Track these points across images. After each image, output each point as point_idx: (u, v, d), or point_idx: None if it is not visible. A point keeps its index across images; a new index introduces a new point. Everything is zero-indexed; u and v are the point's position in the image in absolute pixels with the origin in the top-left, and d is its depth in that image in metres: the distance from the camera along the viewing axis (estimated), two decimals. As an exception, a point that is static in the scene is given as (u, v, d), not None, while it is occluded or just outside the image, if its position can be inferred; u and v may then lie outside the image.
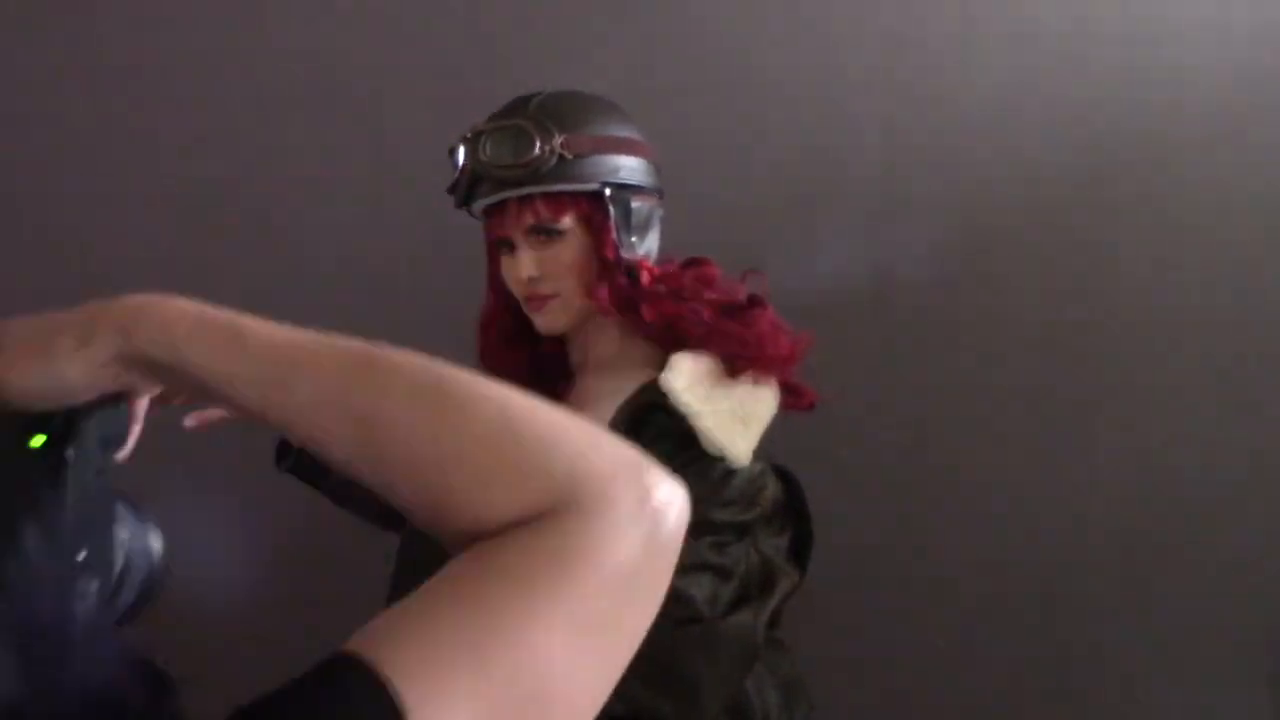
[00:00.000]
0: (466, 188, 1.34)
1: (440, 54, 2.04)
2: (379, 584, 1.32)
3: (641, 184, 1.37)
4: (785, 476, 1.37)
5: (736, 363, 1.32)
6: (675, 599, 1.22)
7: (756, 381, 1.32)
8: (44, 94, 2.03)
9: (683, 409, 1.26)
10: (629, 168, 1.36)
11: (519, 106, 1.34)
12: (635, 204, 1.36)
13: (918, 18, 2.04)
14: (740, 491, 1.28)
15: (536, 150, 1.29)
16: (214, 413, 1.43)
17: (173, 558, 0.65)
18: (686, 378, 1.29)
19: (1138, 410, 2.06)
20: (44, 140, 2.03)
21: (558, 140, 1.30)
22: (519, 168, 1.30)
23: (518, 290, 1.37)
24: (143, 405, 0.65)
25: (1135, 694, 2.06)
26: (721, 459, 1.27)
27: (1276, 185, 2.04)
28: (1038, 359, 2.06)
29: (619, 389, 1.33)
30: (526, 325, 1.41)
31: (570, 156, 1.31)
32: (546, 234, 1.33)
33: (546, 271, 1.33)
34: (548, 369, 1.46)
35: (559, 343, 1.44)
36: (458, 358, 0.59)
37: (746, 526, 1.29)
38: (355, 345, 0.58)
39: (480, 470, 0.54)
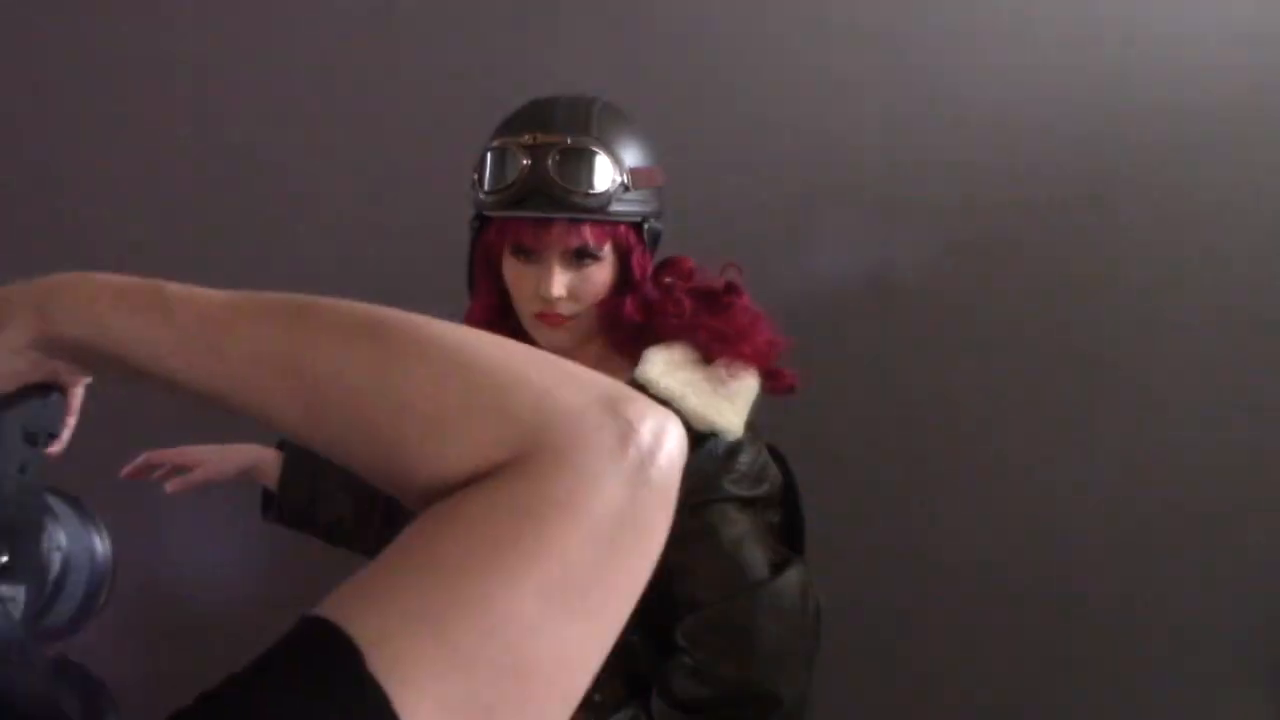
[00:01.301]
0: (518, 196, 1.28)
1: (440, 54, 2.04)
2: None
3: (662, 209, 1.38)
4: (779, 459, 1.39)
5: (714, 348, 1.33)
6: (735, 570, 1.26)
7: (735, 365, 1.33)
8: (45, 97, 2.03)
9: (664, 394, 1.27)
10: (661, 196, 1.37)
11: (580, 120, 1.30)
12: (654, 225, 1.37)
13: (918, 18, 2.04)
14: (748, 467, 1.30)
15: (611, 183, 1.28)
16: (196, 477, 1.46)
17: (118, 559, 0.60)
18: (661, 366, 1.31)
19: (1138, 410, 2.06)
20: (44, 142, 2.03)
21: (628, 172, 1.29)
22: (591, 196, 1.27)
23: (530, 304, 1.33)
24: (77, 396, 0.61)
25: (1135, 694, 2.06)
26: (714, 435, 1.27)
27: (1277, 185, 2.04)
28: (1038, 359, 2.06)
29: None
30: (513, 331, 1.39)
31: (631, 188, 1.30)
32: (582, 256, 1.31)
33: (575, 293, 1.32)
34: None
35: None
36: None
37: (755, 502, 1.30)
38: (285, 297, 0.53)
39: (432, 418, 0.48)
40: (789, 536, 1.36)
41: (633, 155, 1.31)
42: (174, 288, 0.53)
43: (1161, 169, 2.03)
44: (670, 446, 0.50)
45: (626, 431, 0.49)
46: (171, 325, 0.52)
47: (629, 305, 1.34)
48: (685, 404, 1.27)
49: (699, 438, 1.27)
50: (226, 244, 2.00)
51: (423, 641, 0.43)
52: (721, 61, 2.04)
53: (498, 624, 0.44)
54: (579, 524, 0.47)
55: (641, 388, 1.27)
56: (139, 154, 2.04)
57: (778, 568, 1.29)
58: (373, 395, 0.49)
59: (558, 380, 0.50)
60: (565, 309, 1.32)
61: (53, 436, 0.57)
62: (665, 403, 1.26)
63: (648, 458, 0.49)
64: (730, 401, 1.31)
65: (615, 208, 1.29)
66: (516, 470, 0.47)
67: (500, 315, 1.40)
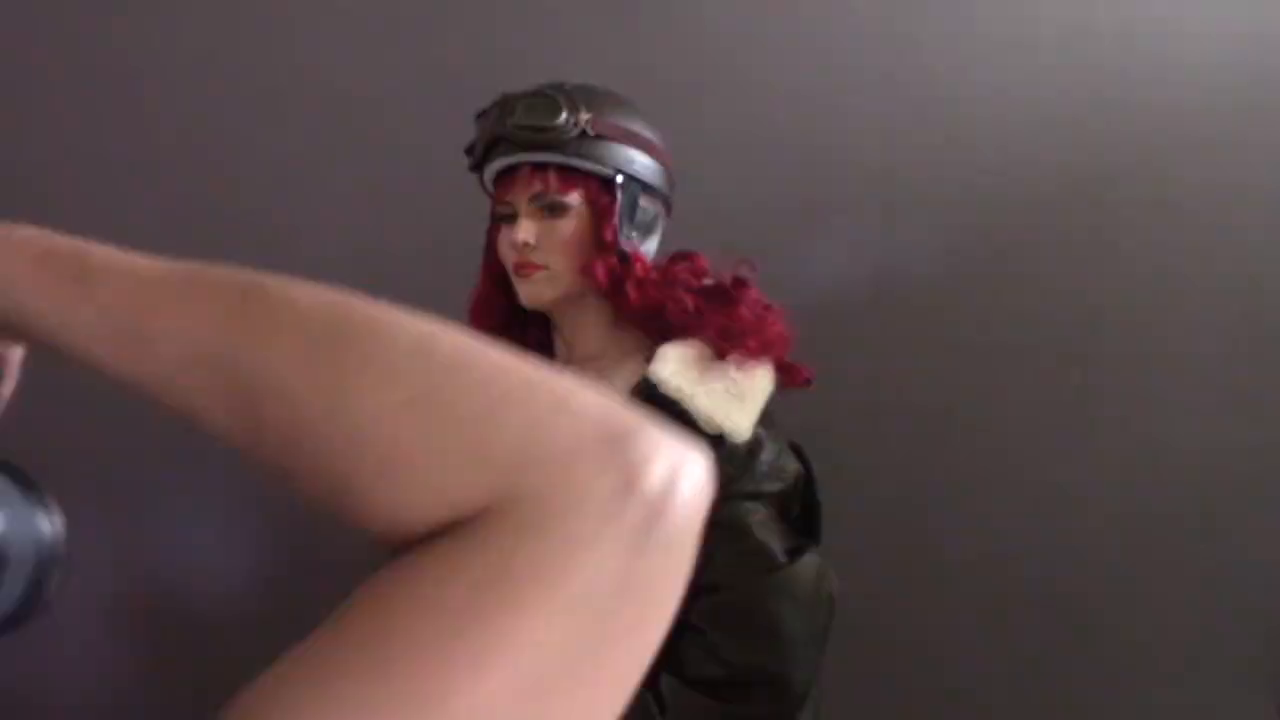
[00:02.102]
0: (485, 148, 1.36)
1: (440, 55, 2.04)
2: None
3: (654, 184, 1.39)
4: (799, 453, 1.40)
5: (724, 345, 1.33)
6: (752, 556, 1.28)
7: (747, 362, 1.34)
8: (44, 96, 2.03)
9: (674, 395, 1.27)
10: (646, 165, 1.38)
11: (556, 83, 1.37)
12: (643, 202, 1.38)
13: (918, 18, 2.04)
14: (769, 466, 1.32)
15: (562, 119, 1.32)
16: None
17: (70, 543, 0.50)
18: (674, 364, 1.31)
19: (1138, 410, 2.06)
20: (44, 142, 2.03)
21: (584, 116, 1.33)
22: (542, 131, 1.32)
23: (509, 258, 1.38)
24: (15, 357, 0.53)
25: (1134, 694, 2.06)
26: (723, 437, 1.28)
27: (1277, 185, 2.04)
28: (1038, 359, 2.06)
29: (608, 383, 1.34)
30: (516, 310, 1.42)
31: (593, 135, 1.34)
32: (551, 208, 1.35)
33: (543, 243, 1.35)
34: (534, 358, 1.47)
35: (546, 330, 1.45)
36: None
37: (774, 495, 1.32)
38: (231, 275, 0.43)
39: (389, 454, 0.38)
40: (807, 527, 1.37)
41: (602, 108, 1.35)
42: (100, 254, 0.44)
43: (1161, 169, 2.03)
44: (687, 494, 0.40)
45: (631, 478, 0.38)
46: (92, 302, 0.42)
47: (599, 268, 1.35)
48: (695, 404, 1.28)
49: (717, 440, 1.28)
50: (226, 246, 2.00)
51: None
52: (722, 62, 2.04)
53: None
54: (560, 601, 0.37)
55: (653, 386, 1.28)
56: (138, 154, 2.04)
57: (793, 555, 1.30)
58: (321, 416, 0.39)
59: (551, 407, 0.40)
60: (537, 258, 1.35)
61: None
62: (675, 403, 1.27)
63: (656, 513, 0.39)
64: (740, 401, 1.31)
65: (580, 150, 1.33)
66: (489, 525, 0.37)
67: (500, 291, 1.44)
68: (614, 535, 0.38)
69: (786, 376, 1.39)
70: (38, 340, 0.44)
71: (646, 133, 1.40)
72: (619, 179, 1.36)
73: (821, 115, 2.04)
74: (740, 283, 1.39)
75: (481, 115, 1.39)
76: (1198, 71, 2.02)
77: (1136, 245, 2.05)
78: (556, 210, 1.35)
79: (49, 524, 0.50)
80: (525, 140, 1.33)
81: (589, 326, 1.41)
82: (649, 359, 1.33)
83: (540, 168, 1.34)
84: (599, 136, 1.34)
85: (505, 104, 1.35)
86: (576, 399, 0.40)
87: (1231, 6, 2.03)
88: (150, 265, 0.43)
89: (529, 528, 0.37)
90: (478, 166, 1.40)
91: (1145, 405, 2.06)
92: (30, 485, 0.50)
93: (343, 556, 1.82)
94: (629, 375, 1.34)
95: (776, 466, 1.33)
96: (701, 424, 1.28)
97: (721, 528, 1.26)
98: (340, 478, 0.39)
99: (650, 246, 1.42)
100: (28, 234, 0.45)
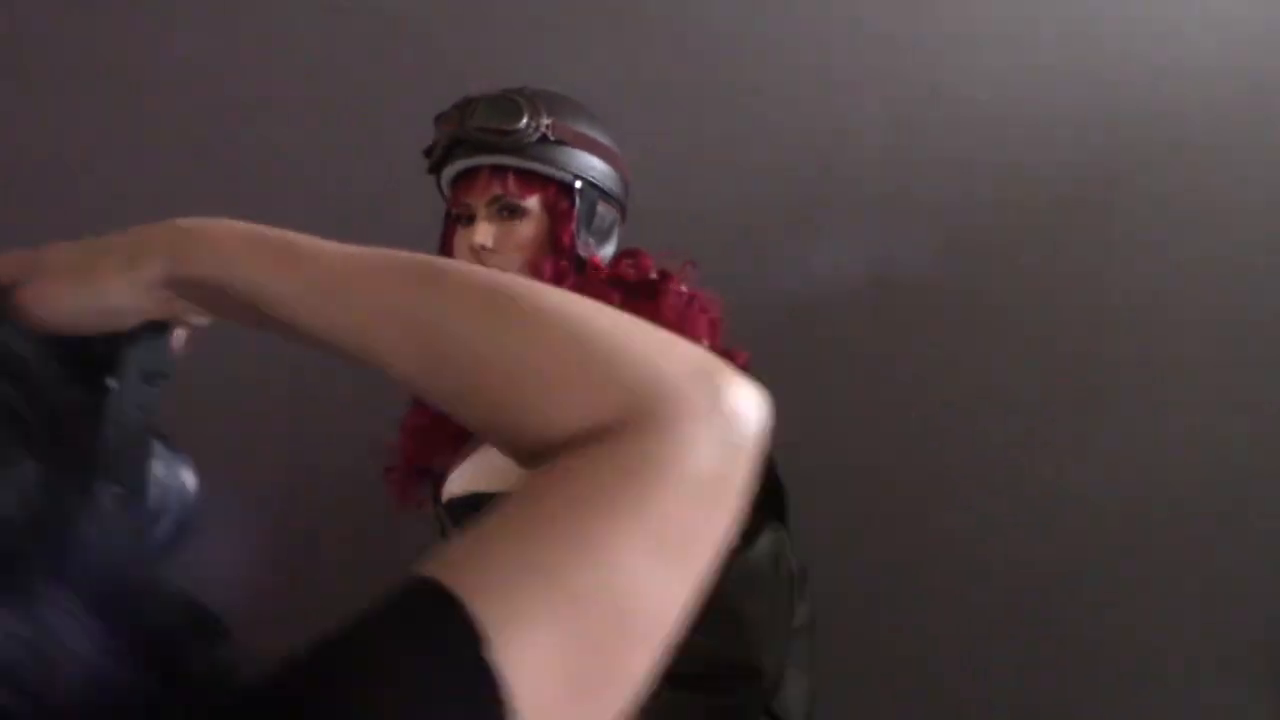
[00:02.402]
0: (444, 150, 1.37)
1: (440, 55, 2.04)
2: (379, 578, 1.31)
3: (611, 191, 1.40)
4: None
5: None
6: None
7: None
8: (45, 94, 2.03)
9: None
10: (604, 172, 1.39)
11: (517, 88, 1.38)
12: (601, 208, 1.39)
13: (918, 18, 2.04)
14: None
15: (523, 122, 1.32)
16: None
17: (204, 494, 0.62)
18: None
19: (1137, 410, 2.06)
20: (44, 141, 2.03)
21: (545, 121, 1.33)
22: (502, 134, 1.32)
23: (466, 260, 1.37)
24: (183, 337, 0.62)
25: (1134, 694, 2.06)
26: None
27: (1276, 185, 2.04)
28: (1038, 359, 2.06)
29: None
30: None
31: (553, 139, 1.34)
32: (509, 211, 1.35)
33: (500, 246, 1.35)
34: None
35: None
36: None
37: None
38: (413, 256, 0.55)
39: (547, 380, 0.51)
40: (774, 508, 1.36)
41: (562, 114, 1.36)
42: (304, 239, 0.56)
43: (1161, 169, 2.03)
44: (756, 415, 0.53)
45: (719, 397, 0.52)
46: (300, 274, 0.54)
47: (548, 269, 1.35)
48: None
49: None
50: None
51: (535, 584, 0.46)
52: (722, 62, 2.04)
53: (607, 571, 0.47)
54: (678, 481, 0.50)
55: None
56: (139, 154, 2.04)
57: (748, 537, 1.28)
58: (492, 356, 0.52)
59: (660, 349, 0.53)
60: (493, 261, 1.35)
61: (162, 375, 0.58)
62: None
63: (736, 421, 0.52)
64: None
65: (537, 154, 1.33)
66: (621, 432, 0.50)
67: None
68: (708, 436, 0.51)
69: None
70: (242, 306, 0.54)
71: (605, 140, 1.40)
72: (578, 184, 1.36)
73: (821, 115, 2.04)
74: (663, 276, 1.38)
75: (441, 117, 1.40)
76: (1197, 72, 2.02)
77: (1136, 245, 2.05)
78: (514, 213, 1.35)
79: (190, 477, 0.61)
80: (485, 142, 1.33)
81: None
82: None
83: (499, 170, 1.34)
84: (559, 141, 1.35)
85: (466, 106, 1.35)
86: (680, 343, 0.54)
87: (1231, 6, 2.03)
88: (342, 246, 0.55)
89: (654, 430, 0.50)
90: (436, 168, 1.40)
91: (1145, 405, 2.06)
92: (173, 446, 0.60)
93: (343, 556, 1.82)
94: None
95: None
96: None
97: None
98: (506, 401, 0.52)
99: (607, 252, 1.42)
100: (238, 223, 0.56)
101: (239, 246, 0.55)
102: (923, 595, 2.06)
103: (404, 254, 0.55)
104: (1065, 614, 2.07)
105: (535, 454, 0.51)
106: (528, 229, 1.36)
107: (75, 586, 0.40)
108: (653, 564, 0.49)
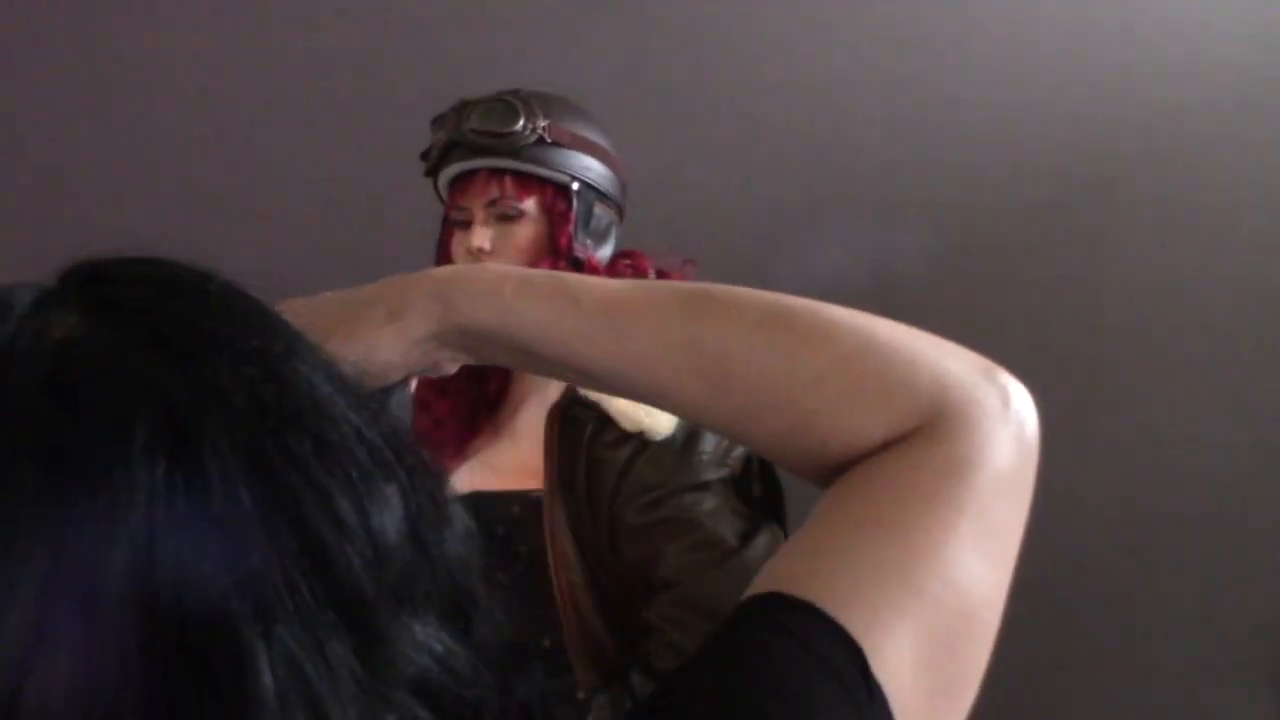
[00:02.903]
0: (440, 154, 1.36)
1: (440, 55, 2.04)
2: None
3: (608, 192, 1.40)
4: None
5: None
6: (707, 543, 1.26)
7: None
8: (47, 94, 2.03)
9: (592, 398, 1.27)
10: (601, 173, 1.39)
11: (512, 89, 1.37)
12: (598, 210, 1.39)
13: (918, 18, 2.04)
14: (710, 453, 1.30)
15: (519, 125, 1.32)
16: None
17: None
18: None
19: (1137, 410, 2.06)
20: (46, 141, 2.03)
21: (542, 123, 1.33)
22: (498, 137, 1.32)
23: (462, 264, 1.36)
24: (411, 386, 0.61)
25: (1134, 693, 2.06)
26: (641, 433, 1.28)
27: (1277, 185, 2.04)
28: (1038, 359, 2.05)
29: (545, 389, 1.34)
30: None
31: (550, 141, 1.34)
32: (506, 214, 1.35)
33: (499, 249, 1.34)
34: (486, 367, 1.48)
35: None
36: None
37: (722, 483, 1.31)
38: (684, 285, 0.56)
39: (843, 394, 0.52)
40: (772, 508, 1.36)
41: (559, 116, 1.35)
42: (573, 278, 0.57)
43: (1160, 169, 2.03)
44: (1033, 413, 0.55)
45: (1006, 397, 0.53)
46: (579, 311, 0.54)
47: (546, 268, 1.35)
48: (612, 405, 1.27)
49: (635, 437, 1.27)
50: (226, 244, 2.00)
51: (888, 588, 0.46)
52: (722, 63, 2.04)
53: (947, 568, 0.48)
54: (989, 478, 0.50)
55: (573, 392, 1.28)
56: (138, 154, 2.04)
57: (746, 537, 1.28)
58: (784, 374, 0.52)
59: (944, 354, 0.54)
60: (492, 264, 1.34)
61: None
62: (593, 405, 1.27)
63: (1024, 419, 0.53)
64: None
65: (534, 157, 1.33)
66: (926, 435, 0.50)
67: None
68: (1006, 434, 0.52)
69: None
70: (518, 349, 0.55)
71: (602, 140, 1.40)
72: (575, 186, 1.36)
73: (821, 114, 2.04)
74: (661, 276, 1.38)
75: (437, 120, 1.39)
76: (1197, 72, 2.02)
77: (1136, 245, 2.05)
78: (512, 216, 1.35)
79: None
80: (482, 145, 1.33)
81: None
82: None
83: (497, 173, 1.34)
84: (555, 143, 1.34)
85: (462, 109, 1.35)
86: (956, 348, 0.55)
87: (1232, 6, 2.03)
88: (612, 281, 0.56)
89: (958, 431, 0.51)
90: (433, 171, 1.39)
91: (1145, 405, 2.06)
92: None
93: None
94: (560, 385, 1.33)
95: (718, 453, 1.31)
96: (621, 422, 1.27)
97: (670, 523, 1.26)
98: (807, 416, 0.52)
99: (605, 253, 1.42)
100: (503, 267, 0.58)
101: (514, 289, 0.54)
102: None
103: (674, 284, 0.56)
104: (1065, 614, 2.07)
105: (840, 468, 0.51)
106: (526, 232, 1.35)
107: (459, 603, 0.40)
108: (980, 558, 0.49)
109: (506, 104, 1.33)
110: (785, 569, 0.49)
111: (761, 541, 1.29)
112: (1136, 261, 2.05)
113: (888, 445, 0.51)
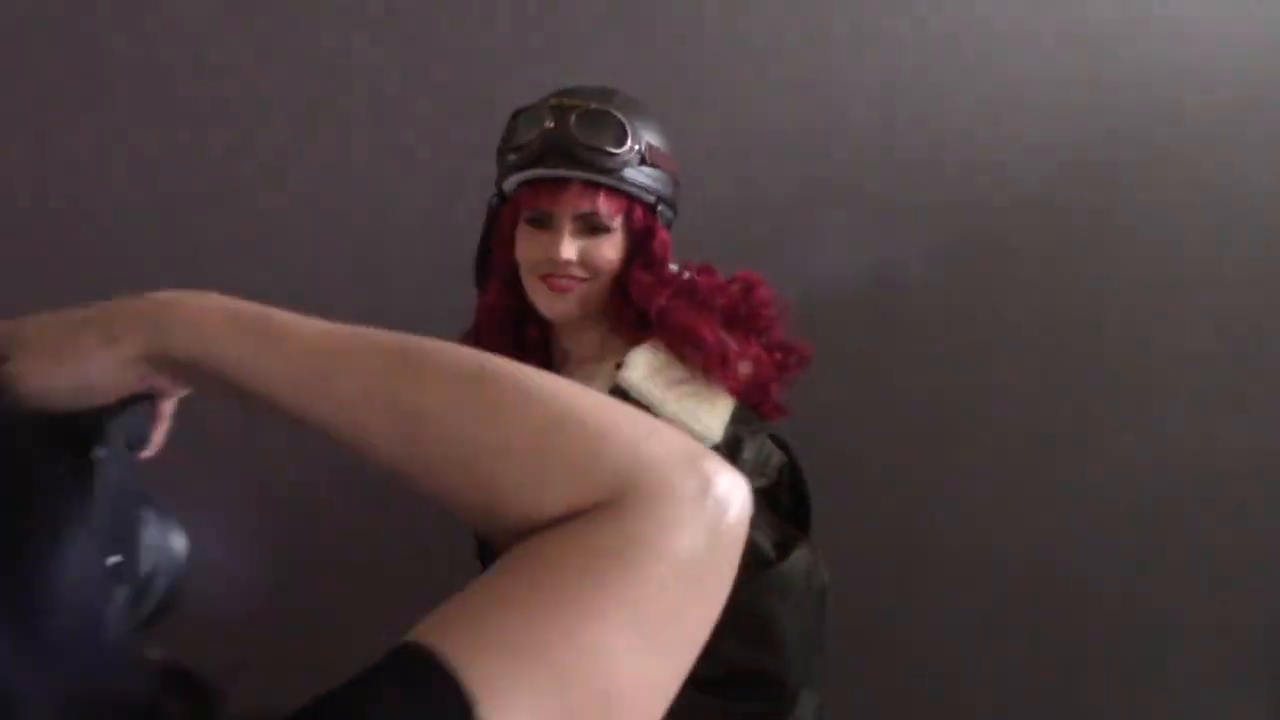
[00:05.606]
0: (539, 153, 1.32)
1: (441, 56, 2.04)
2: (388, 587, 1.31)
3: (675, 204, 1.41)
4: (782, 445, 1.39)
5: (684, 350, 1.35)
6: (746, 554, 1.26)
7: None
8: (49, 97, 2.03)
9: (644, 399, 1.27)
10: (672, 187, 1.40)
11: (604, 94, 1.35)
12: (670, 215, 1.40)
13: (918, 18, 2.04)
14: (751, 464, 1.31)
15: (628, 145, 1.32)
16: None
17: (196, 560, 0.61)
18: (643, 369, 1.32)
19: (1137, 410, 2.06)
20: (48, 143, 2.03)
21: (642, 144, 1.33)
22: (607, 155, 1.31)
23: (539, 267, 1.35)
24: (169, 406, 0.63)
25: (1135, 693, 2.06)
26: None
27: (1275, 185, 2.04)
28: (1038, 358, 2.06)
29: (591, 386, 1.33)
30: (520, 315, 1.42)
31: (648, 163, 1.34)
32: (594, 227, 1.34)
33: (585, 260, 1.34)
34: (528, 359, 1.47)
35: (543, 328, 1.45)
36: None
37: (758, 493, 1.30)
38: (393, 337, 0.55)
39: (529, 464, 0.51)
40: (797, 517, 1.37)
41: (651, 135, 1.35)
42: (282, 316, 0.56)
43: (1159, 169, 2.03)
44: (741, 504, 0.54)
45: (707, 483, 0.52)
46: (281, 354, 0.54)
47: (642, 282, 1.35)
48: (664, 410, 1.28)
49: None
50: (227, 244, 2.00)
51: (521, 663, 0.46)
52: (721, 62, 2.04)
53: (591, 651, 0.47)
54: (663, 564, 0.50)
55: (624, 393, 1.28)
56: (139, 153, 2.04)
57: (783, 549, 1.30)
58: (475, 437, 0.52)
59: (646, 433, 0.53)
60: (579, 273, 1.34)
61: (143, 443, 0.59)
62: (646, 408, 1.27)
63: (723, 510, 0.52)
64: (712, 404, 1.31)
65: (630, 177, 1.33)
66: (608, 512, 0.50)
67: (513, 299, 1.42)
68: (698, 521, 0.51)
69: (784, 356, 1.40)
70: (221, 383, 0.55)
71: (669, 153, 1.40)
72: (659, 207, 1.37)
73: (820, 114, 2.04)
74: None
75: (527, 115, 1.35)
76: (1196, 72, 2.02)
77: (1136, 244, 2.05)
78: (598, 231, 1.34)
79: (180, 543, 0.60)
80: (586, 160, 1.31)
81: (588, 331, 1.41)
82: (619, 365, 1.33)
83: (591, 184, 1.32)
84: (651, 164, 1.35)
85: (560, 112, 1.32)
86: (666, 429, 0.55)
87: (1232, 6, 2.03)
88: (321, 324, 0.55)
89: (641, 511, 0.50)
90: (523, 168, 1.35)
91: (1145, 404, 2.06)
92: (163, 509, 0.60)
93: (342, 557, 1.82)
94: (607, 377, 1.34)
95: (759, 462, 1.32)
96: None
97: None
98: (490, 482, 0.51)
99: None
100: (217, 298, 0.56)
101: (219, 323, 0.55)
102: (922, 595, 2.06)
103: (385, 334, 0.55)
104: (1066, 614, 2.07)
105: (520, 534, 0.51)
106: (611, 246, 1.35)
107: (54, 655, 0.39)
108: (634, 642, 0.49)
109: (613, 119, 1.32)
110: (433, 620, 0.48)
111: (799, 554, 1.30)
112: (1136, 260, 2.05)
113: (570, 517, 0.51)
